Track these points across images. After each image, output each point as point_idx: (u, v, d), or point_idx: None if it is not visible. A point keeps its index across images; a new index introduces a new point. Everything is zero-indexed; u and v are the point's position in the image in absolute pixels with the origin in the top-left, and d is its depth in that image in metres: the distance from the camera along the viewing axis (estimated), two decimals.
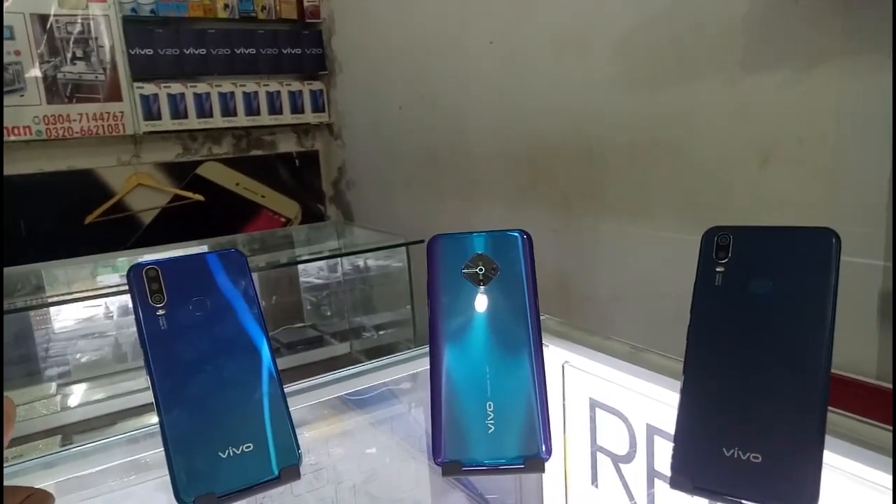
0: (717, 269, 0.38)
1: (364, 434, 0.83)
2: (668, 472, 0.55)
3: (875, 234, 0.82)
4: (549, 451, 0.40)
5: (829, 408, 0.35)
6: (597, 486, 0.63)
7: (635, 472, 0.58)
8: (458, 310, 0.42)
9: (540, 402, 0.41)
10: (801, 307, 0.35)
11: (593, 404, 0.62)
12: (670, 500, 0.55)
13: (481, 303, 0.42)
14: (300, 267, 1.84)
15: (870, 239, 0.83)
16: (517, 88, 1.41)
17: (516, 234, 0.43)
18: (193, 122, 1.99)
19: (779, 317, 0.36)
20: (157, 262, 0.40)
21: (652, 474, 0.57)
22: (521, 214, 1.44)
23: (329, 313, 1.87)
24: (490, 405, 0.41)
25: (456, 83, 1.60)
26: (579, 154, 1.27)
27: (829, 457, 0.35)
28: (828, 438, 0.34)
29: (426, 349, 0.46)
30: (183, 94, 1.96)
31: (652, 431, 0.56)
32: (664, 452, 0.55)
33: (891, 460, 0.39)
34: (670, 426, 0.54)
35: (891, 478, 0.38)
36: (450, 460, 0.41)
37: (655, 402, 0.55)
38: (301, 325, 1.85)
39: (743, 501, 0.35)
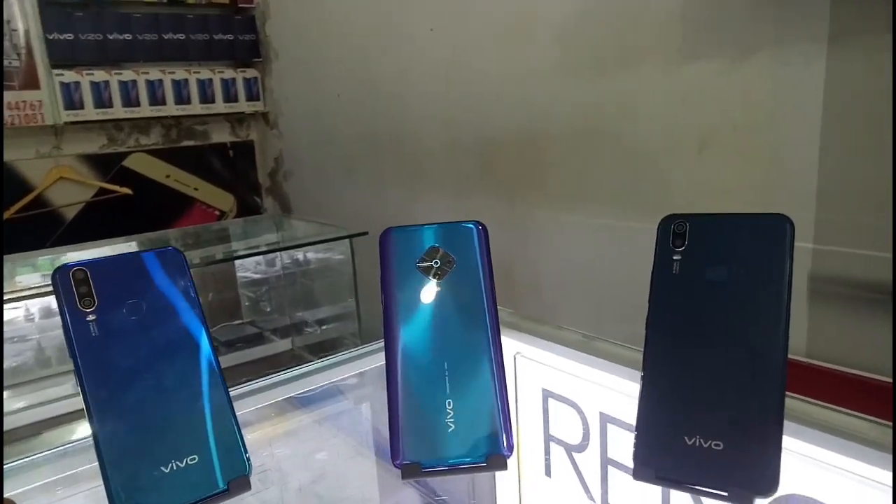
0: (674, 258, 0.38)
1: (309, 433, 0.81)
2: (622, 461, 0.55)
3: (805, 217, 0.85)
4: (510, 448, 0.39)
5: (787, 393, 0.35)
6: (550, 476, 0.63)
7: (589, 460, 0.58)
8: (413, 305, 0.41)
9: (500, 397, 0.40)
10: (757, 293, 0.36)
11: (546, 395, 0.62)
12: (624, 488, 0.56)
13: (437, 297, 0.41)
14: (237, 262, 1.78)
15: (800, 223, 0.86)
16: (460, 76, 1.39)
17: (471, 226, 0.42)
18: (119, 112, 1.89)
19: (736, 304, 0.36)
20: (85, 263, 0.36)
21: (605, 462, 0.57)
22: (466, 204, 1.43)
23: (269, 309, 1.81)
24: (449, 403, 0.39)
25: (397, 70, 1.57)
26: (522, 143, 1.27)
27: (786, 440, 0.35)
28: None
29: (375, 346, 0.44)
30: (107, 82, 1.86)
31: (605, 419, 0.56)
32: (617, 440, 0.55)
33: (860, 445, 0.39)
34: (623, 414, 0.55)
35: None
36: (409, 462, 0.39)
37: (608, 390, 0.55)
38: (240, 322, 1.79)
39: (704, 489, 0.35)
